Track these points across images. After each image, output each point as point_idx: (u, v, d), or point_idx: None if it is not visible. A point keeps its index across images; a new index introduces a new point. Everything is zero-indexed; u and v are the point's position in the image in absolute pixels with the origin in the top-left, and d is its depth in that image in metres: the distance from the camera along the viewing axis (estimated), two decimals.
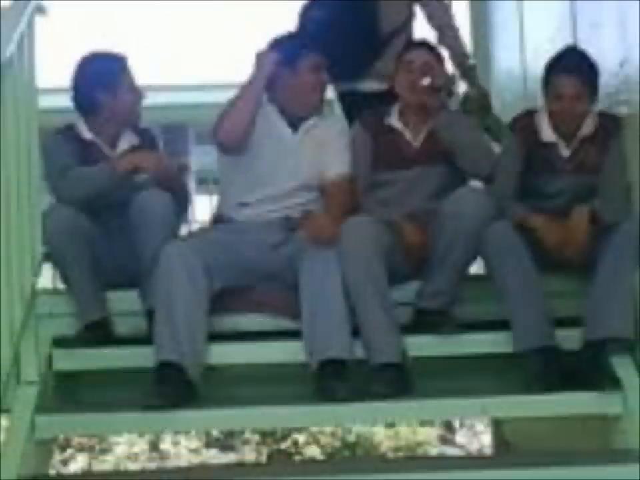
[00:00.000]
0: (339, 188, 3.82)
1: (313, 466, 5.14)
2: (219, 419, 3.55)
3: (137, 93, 3.93)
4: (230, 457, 8.57)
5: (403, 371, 3.50)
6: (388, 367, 3.47)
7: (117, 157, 3.84)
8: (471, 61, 4.48)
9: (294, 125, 3.88)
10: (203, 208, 9.65)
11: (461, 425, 8.93)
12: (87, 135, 3.90)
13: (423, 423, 8.51)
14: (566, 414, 3.53)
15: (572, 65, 3.70)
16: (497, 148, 4.01)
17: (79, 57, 3.92)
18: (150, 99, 3.99)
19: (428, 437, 8.87)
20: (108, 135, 3.91)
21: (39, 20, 3.86)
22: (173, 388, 3.38)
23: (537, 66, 4.23)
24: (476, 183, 3.91)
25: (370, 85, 4.38)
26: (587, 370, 3.45)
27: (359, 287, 3.50)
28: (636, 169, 3.70)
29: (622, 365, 3.48)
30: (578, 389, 3.42)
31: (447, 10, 4.52)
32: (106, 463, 8.44)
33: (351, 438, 8.60)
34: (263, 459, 8.47)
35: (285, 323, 3.65)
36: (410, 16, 4.49)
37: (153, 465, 8.30)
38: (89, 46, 4.00)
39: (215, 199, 4.62)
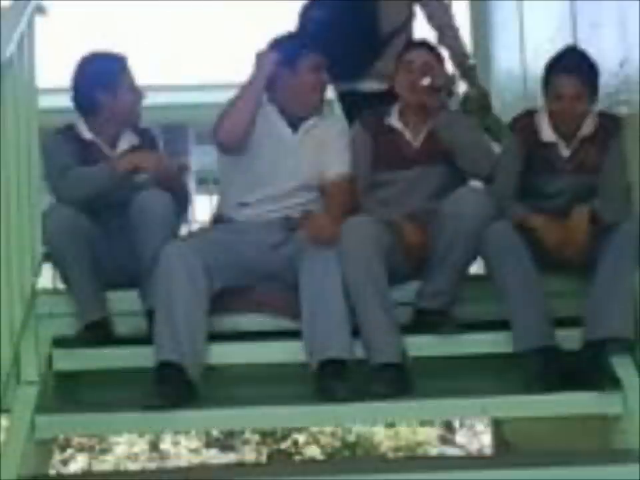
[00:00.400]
0: (339, 188, 3.82)
1: (312, 466, 5.14)
2: (218, 418, 3.55)
3: (137, 93, 3.93)
4: (230, 457, 8.56)
5: (403, 371, 3.50)
6: (388, 366, 3.47)
7: (117, 157, 3.84)
8: (471, 61, 4.48)
9: (294, 125, 3.88)
10: (203, 208, 9.64)
11: (461, 425, 8.92)
12: (87, 134, 3.89)
13: (423, 423, 8.50)
14: (566, 414, 3.53)
15: (572, 65, 3.70)
16: (497, 148, 4.01)
17: (79, 57, 3.92)
18: (150, 99, 3.99)
19: (428, 437, 8.87)
20: (108, 135, 3.91)
21: (39, 20, 3.86)
22: (173, 388, 3.37)
23: (537, 66, 4.23)
24: (476, 183, 3.91)
25: (370, 85, 4.37)
26: (587, 370, 3.45)
27: (359, 286, 3.49)
28: (636, 169, 3.70)
29: (622, 365, 3.47)
30: (578, 388, 3.42)
31: (447, 10, 4.52)
32: (106, 463, 8.44)
33: (351, 438, 8.59)
34: (263, 458, 8.46)
35: (285, 323, 3.65)
36: (410, 16, 4.49)
37: (153, 465, 8.29)
38: (89, 46, 4.00)
39: (215, 198, 4.62)
